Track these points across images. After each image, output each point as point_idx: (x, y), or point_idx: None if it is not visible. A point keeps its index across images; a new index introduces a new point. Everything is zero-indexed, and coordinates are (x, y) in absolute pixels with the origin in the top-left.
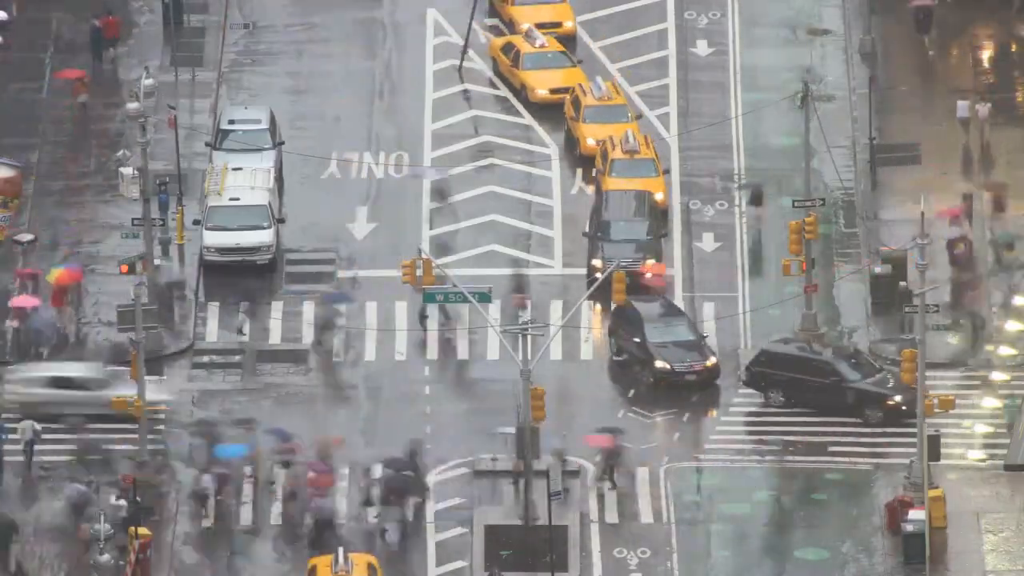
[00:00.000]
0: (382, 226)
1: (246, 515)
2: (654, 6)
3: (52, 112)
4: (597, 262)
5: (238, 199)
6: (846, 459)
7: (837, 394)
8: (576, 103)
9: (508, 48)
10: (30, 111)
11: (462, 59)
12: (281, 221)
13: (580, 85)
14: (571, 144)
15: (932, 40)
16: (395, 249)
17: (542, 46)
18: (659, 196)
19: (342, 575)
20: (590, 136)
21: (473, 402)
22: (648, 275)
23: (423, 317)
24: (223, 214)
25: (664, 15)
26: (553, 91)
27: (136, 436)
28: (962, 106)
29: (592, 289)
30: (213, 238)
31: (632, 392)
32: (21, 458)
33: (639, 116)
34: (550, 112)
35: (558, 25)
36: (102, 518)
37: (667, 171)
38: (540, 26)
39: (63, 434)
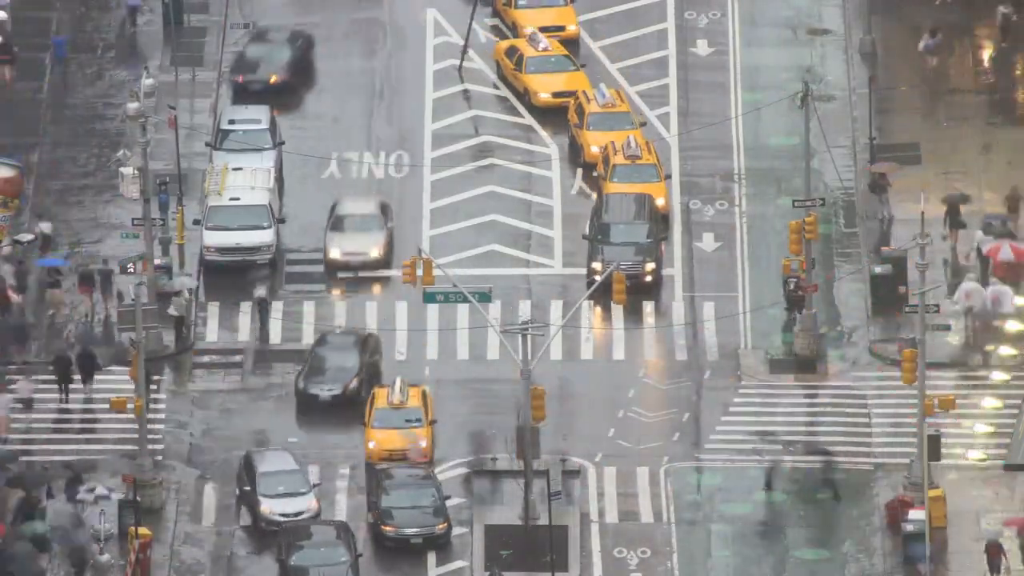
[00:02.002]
0: None
1: (246, 515)
2: (654, 6)
3: (52, 112)
4: (597, 265)
5: (238, 199)
6: (846, 459)
7: None
8: (580, 110)
9: (511, 52)
10: (30, 111)
11: (462, 59)
12: (281, 221)
13: (584, 92)
14: (575, 151)
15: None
16: (395, 249)
17: (545, 50)
18: (660, 201)
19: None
20: (594, 144)
21: (473, 402)
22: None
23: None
24: (223, 214)
25: (664, 15)
26: (556, 95)
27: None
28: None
29: (592, 289)
30: (213, 238)
31: (632, 392)
32: None
33: (643, 123)
34: (551, 113)
35: (561, 29)
36: (102, 518)
37: (668, 176)
38: (544, 30)
39: None
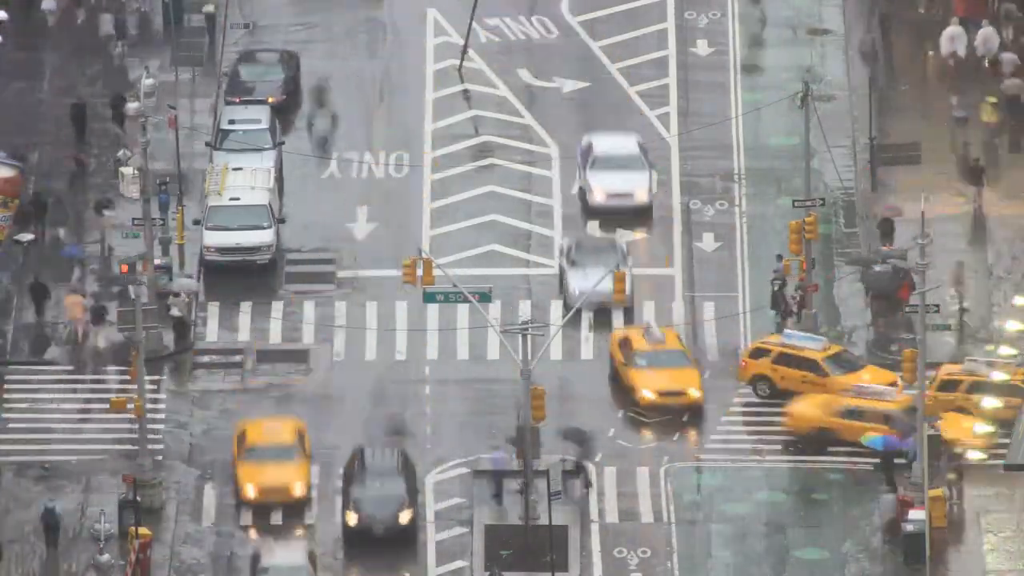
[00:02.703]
0: (382, 226)
1: (246, 515)
2: (654, 6)
3: (52, 112)
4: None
5: (238, 199)
6: (846, 459)
7: None
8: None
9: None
10: (30, 111)
11: (462, 59)
12: (281, 221)
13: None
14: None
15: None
16: (395, 249)
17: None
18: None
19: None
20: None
21: (473, 402)
22: None
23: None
24: (223, 214)
25: (664, 15)
26: (661, 394)
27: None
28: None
29: (592, 289)
30: (213, 238)
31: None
32: None
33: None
34: (551, 113)
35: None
36: (102, 518)
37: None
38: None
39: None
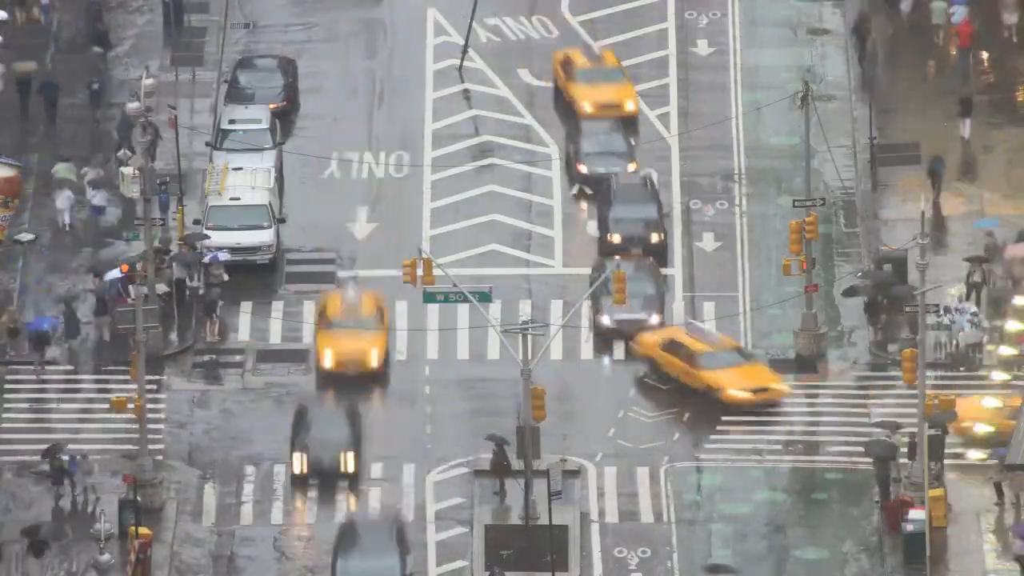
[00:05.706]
0: (382, 226)
1: (246, 515)
2: (654, 6)
3: (52, 112)
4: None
5: (238, 199)
6: (846, 459)
7: None
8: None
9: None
10: (31, 111)
11: (462, 59)
12: (281, 221)
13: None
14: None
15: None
16: (396, 249)
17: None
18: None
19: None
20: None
21: (473, 402)
22: None
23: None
24: (223, 214)
25: (664, 15)
26: (601, 106)
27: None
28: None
29: (592, 289)
30: (213, 238)
31: (632, 392)
32: None
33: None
34: (551, 113)
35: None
36: (102, 518)
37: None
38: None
39: None
